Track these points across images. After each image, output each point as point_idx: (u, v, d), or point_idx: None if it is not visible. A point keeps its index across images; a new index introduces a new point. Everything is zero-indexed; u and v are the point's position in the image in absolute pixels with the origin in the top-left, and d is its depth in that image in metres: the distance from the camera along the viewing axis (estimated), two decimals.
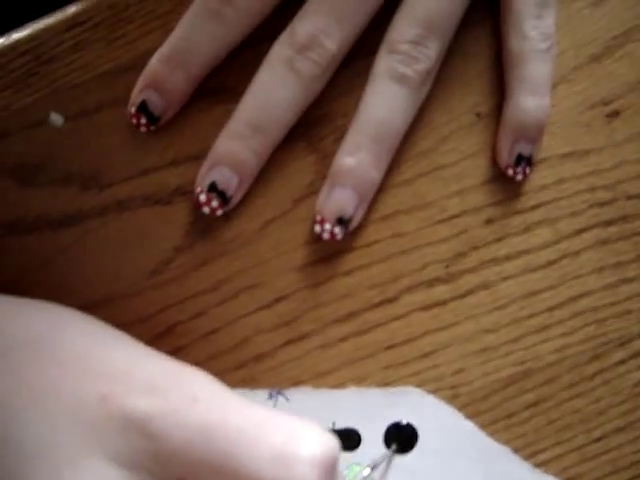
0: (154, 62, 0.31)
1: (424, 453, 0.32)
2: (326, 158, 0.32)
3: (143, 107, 0.31)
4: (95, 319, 0.26)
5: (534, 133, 0.32)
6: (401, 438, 0.32)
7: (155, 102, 0.31)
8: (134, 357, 0.23)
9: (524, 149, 0.32)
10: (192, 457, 0.21)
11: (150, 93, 0.31)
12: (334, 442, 0.22)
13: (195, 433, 0.21)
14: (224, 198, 0.31)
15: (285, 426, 0.22)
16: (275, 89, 0.30)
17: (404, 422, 0.32)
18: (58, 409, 0.21)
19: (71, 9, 0.32)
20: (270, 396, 0.32)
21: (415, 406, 0.32)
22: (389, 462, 0.31)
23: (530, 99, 0.31)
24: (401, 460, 0.32)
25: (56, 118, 0.32)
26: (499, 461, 0.32)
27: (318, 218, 0.31)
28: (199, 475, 0.22)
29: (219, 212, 0.31)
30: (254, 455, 0.21)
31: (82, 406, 0.21)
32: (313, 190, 0.32)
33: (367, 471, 0.30)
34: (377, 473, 0.31)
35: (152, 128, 0.32)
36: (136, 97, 0.31)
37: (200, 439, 0.21)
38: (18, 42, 0.32)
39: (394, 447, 0.31)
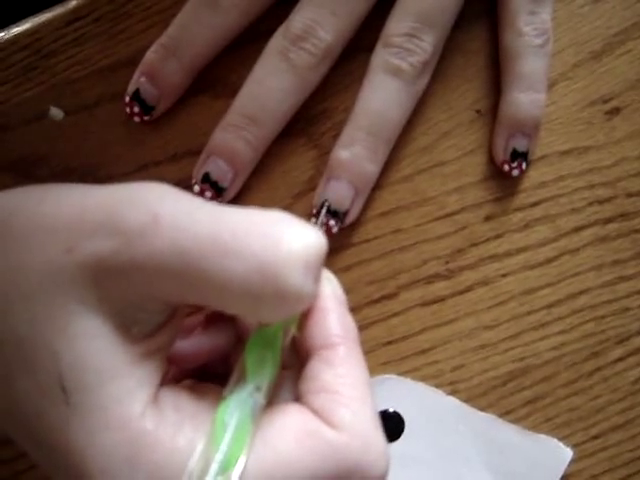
0: (150, 52, 0.31)
1: (413, 437, 0.32)
2: (326, 154, 0.32)
3: (136, 96, 0.31)
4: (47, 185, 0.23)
5: (529, 128, 0.32)
6: (388, 427, 0.32)
7: (148, 90, 0.31)
8: (85, 198, 0.20)
9: (519, 144, 0.32)
10: (170, 281, 0.20)
11: (143, 82, 0.31)
12: (317, 236, 0.21)
13: (166, 254, 0.19)
14: (218, 189, 0.31)
15: (262, 229, 0.20)
16: (269, 80, 0.30)
17: (391, 410, 0.32)
18: (34, 284, 0.19)
19: (71, 3, 0.32)
20: None
21: (395, 392, 0.32)
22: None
23: (524, 95, 0.31)
24: (391, 448, 0.32)
25: (56, 112, 0.32)
26: (486, 429, 0.32)
27: (314, 211, 0.31)
28: (182, 298, 0.20)
29: None
30: (235, 269, 0.19)
31: (54, 270, 0.19)
32: (313, 186, 0.32)
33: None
34: None
35: (146, 118, 0.32)
36: (131, 86, 0.31)
37: (173, 260, 0.19)
38: (18, 36, 0.32)
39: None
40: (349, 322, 0.23)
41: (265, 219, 0.20)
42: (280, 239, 0.20)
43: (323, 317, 0.23)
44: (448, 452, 0.32)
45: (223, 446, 0.19)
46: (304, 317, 0.23)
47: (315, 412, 0.21)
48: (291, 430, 0.20)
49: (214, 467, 0.19)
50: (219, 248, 0.19)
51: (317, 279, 0.21)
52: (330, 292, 0.23)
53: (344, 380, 0.22)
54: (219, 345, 0.24)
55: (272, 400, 0.22)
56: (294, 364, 0.23)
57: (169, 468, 0.19)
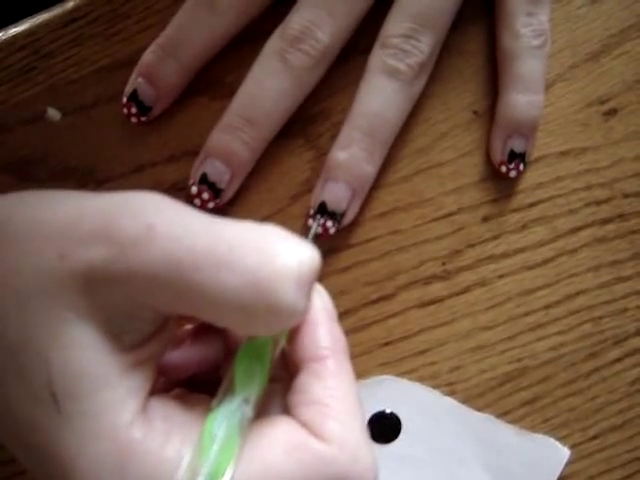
0: (147, 52, 0.31)
1: (410, 437, 0.32)
2: (323, 155, 0.32)
3: (134, 96, 0.31)
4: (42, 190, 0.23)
5: (526, 129, 0.32)
6: (385, 427, 0.32)
7: (145, 91, 0.31)
8: (80, 205, 0.20)
9: (517, 145, 0.32)
10: (162, 292, 0.19)
11: (141, 82, 0.31)
12: (311, 252, 0.21)
13: (159, 264, 0.19)
14: (215, 190, 0.31)
15: (257, 244, 0.20)
16: (266, 81, 0.30)
17: (388, 411, 0.32)
18: (28, 289, 0.19)
19: (69, 4, 0.32)
20: None
21: (392, 393, 0.32)
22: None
23: (521, 96, 0.31)
24: (388, 449, 0.32)
25: (53, 113, 0.32)
26: (484, 429, 0.32)
27: (311, 212, 0.31)
28: (174, 309, 0.20)
29: (210, 205, 0.31)
30: (229, 283, 0.19)
31: (47, 275, 0.19)
32: (310, 187, 0.32)
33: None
34: None
35: (143, 119, 0.32)
36: (128, 87, 0.32)
37: (166, 271, 0.19)
38: (16, 37, 0.32)
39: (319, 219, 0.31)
40: (338, 335, 0.23)
41: (260, 234, 0.20)
42: (275, 255, 0.20)
43: (313, 330, 0.23)
44: (445, 453, 0.32)
45: (210, 458, 0.19)
46: (294, 330, 0.23)
47: (304, 425, 0.21)
48: (280, 442, 0.20)
49: (201, 479, 0.19)
50: (214, 261, 0.19)
51: (309, 295, 0.21)
52: (320, 305, 0.23)
53: (333, 393, 0.22)
54: (208, 356, 0.24)
55: (261, 412, 0.22)
56: (283, 376, 0.23)
57: (158, 478, 0.19)
